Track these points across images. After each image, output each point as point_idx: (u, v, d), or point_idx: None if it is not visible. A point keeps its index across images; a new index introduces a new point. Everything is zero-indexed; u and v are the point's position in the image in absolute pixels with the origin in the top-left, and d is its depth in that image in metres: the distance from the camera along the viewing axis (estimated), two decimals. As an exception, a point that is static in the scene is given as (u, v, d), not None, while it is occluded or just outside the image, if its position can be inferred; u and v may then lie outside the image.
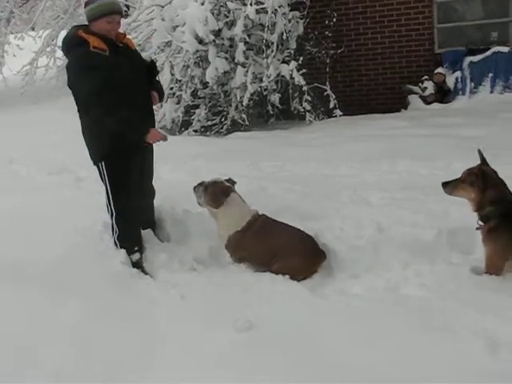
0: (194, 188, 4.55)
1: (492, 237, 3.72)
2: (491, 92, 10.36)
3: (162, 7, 9.76)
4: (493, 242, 3.72)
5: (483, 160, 3.87)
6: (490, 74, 10.33)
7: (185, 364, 3.17)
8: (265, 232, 4.38)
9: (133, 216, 4.54)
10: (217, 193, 4.42)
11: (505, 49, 10.28)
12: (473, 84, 10.44)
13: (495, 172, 3.81)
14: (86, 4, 4.32)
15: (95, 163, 4.47)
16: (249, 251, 4.37)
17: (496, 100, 10.03)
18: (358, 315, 3.47)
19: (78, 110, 4.40)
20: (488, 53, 10.36)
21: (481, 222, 3.79)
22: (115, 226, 4.52)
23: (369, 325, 3.33)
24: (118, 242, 4.55)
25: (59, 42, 16.21)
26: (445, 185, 3.95)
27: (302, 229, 4.40)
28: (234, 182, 4.60)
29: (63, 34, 4.51)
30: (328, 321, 3.44)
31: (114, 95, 4.10)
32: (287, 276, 4.08)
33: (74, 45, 4.27)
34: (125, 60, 4.31)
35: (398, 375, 2.87)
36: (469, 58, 10.49)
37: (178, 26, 9.72)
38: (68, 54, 4.36)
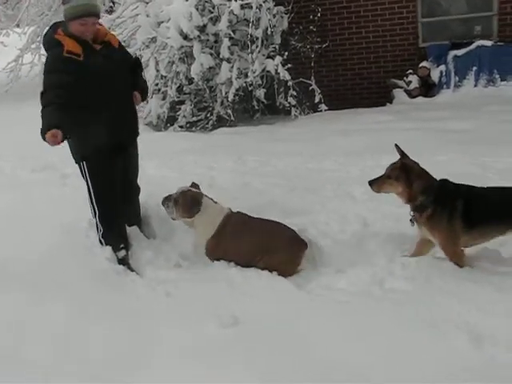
0: (163, 203, 4.47)
1: (434, 224, 3.84)
2: (475, 86, 10.42)
3: (147, 3, 9.78)
4: (438, 229, 3.84)
5: (402, 153, 4.00)
6: (474, 68, 10.39)
7: (171, 361, 3.17)
8: (240, 230, 4.32)
9: (116, 214, 4.53)
10: (189, 203, 4.35)
11: (488, 42, 10.34)
12: (457, 78, 10.50)
13: (416, 163, 3.96)
14: (62, 3, 4.24)
15: (76, 162, 4.46)
16: (229, 253, 4.31)
17: (480, 93, 10.10)
18: (344, 310, 3.47)
19: None
20: (472, 46, 10.41)
21: (412, 213, 3.93)
22: (99, 224, 4.52)
23: (356, 320, 3.34)
24: (102, 240, 4.55)
25: (43, 39, 16.10)
26: (371, 183, 4.07)
27: (284, 223, 4.36)
28: (197, 186, 4.55)
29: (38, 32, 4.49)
30: (315, 316, 3.45)
31: (54, 95, 4.02)
32: (275, 272, 4.06)
33: (50, 46, 4.23)
34: (102, 61, 4.24)
35: (386, 374, 2.87)
36: (453, 52, 10.54)
37: (162, 22, 9.71)
38: (46, 52, 4.32)
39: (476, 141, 6.79)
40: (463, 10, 10.87)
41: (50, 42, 4.22)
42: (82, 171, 4.43)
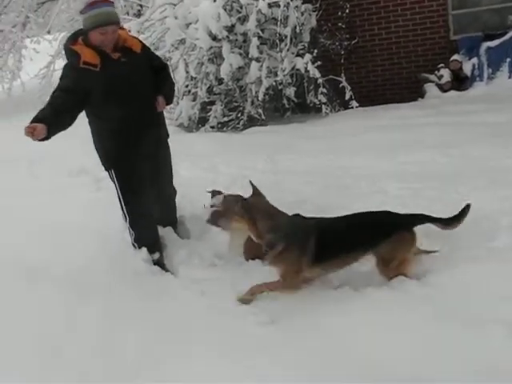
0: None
1: (282, 259, 3.81)
2: (510, 77, 10.18)
3: (175, 5, 9.81)
4: (283, 263, 3.81)
5: (253, 191, 3.98)
6: (508, 59, 10.16)
7: (211, 360, 3.19)
8: None
9: (147, 219, 4.56)
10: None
11: (522, 33, 10.14)
12: (490, 70, 10.30)
13: (262, 201, 3.93)
14: (81, 12, 4.21)
15: (105, 169, 4.51)
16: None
17: (515, 85, 9.92)
18: (377, 307, 3.45)
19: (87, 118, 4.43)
20: (505, 37, 10.18)
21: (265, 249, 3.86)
22: (131, 229, 4.58)
23: (389, 316, 3.31)
24: (135, 245, 4.60)
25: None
26: (217, 223, 4.13)
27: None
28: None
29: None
30: (347, 314, 3.43)
31: (54, 96, 4.06)
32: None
33: (67, 56, 4.24)
34: (121, 70, 4.21)
35: (420, 372, 2.83)
36: (485, 44, 10.35)
37: (190, 24, 9.74)
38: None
39: (509, 133, 6.66)
40: (495, 0, 10.66)
41: (68, 53, 4.23)
42: (111, 178, 4.49)
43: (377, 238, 3.76)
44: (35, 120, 3.82)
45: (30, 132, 3.74)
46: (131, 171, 4.41)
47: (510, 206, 4.45)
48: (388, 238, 3.74)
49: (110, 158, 4.43)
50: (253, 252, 4.29)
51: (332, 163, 6.46)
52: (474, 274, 3.60)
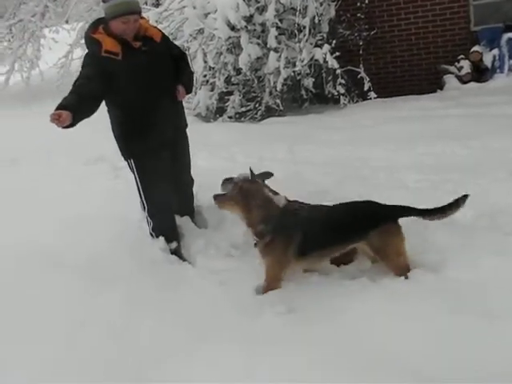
0: (223, 184, 4.47)
1: (269, 250, 3.81)
2: (530, 69, 10.11)
3: (193, -5, 9.79)
4: (270, 255, 3.81)
5: (252, 177, 3.98)
6: (530, 50, 10.08)
7: (231, 347, 3.20)
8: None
9: (165, 208, 4.58)
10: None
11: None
12: (511, 61, 10.20)
13: (261, 189, 3.91)
14: (103, 1, 4.18)
15: (125, 159, 4.52)
16: None
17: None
18: (395, 298, 3.44)
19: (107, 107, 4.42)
20: (528, 28, 10.10)
21: (254, 238, 3.87)
22: (149, 218, 4.59)
23: (408, 308, 3.30)
24: (153, 234, 4.62)
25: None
26: (215, 197, 4.06)
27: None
28: (269, 174, 4.49)
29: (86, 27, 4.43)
30: (363, 305, 3.41)
31: (77, 85, 4.03)
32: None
33: (88, 44, 4.23)
34: (142, 59, 4.20)
35: (436, 365, 2.81)
36: (507, 35, 10.22)
37: (209, 13, 9.72)
38: (87, 49, 4.32)
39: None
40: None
41: (88, 41, 4.22)
42: (130, 168, 4.50)
43: (364, 229, 3.76)
44: (60, 107, 3.78)
45: (56, 119, 3.71)
46: (150, 161, 4.41)
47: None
48: (375, 229, 3.73)
49: (129, 148, 4.43)
50: None
51: (350, 154, 6.44)
52: (491, 268, 3.59)
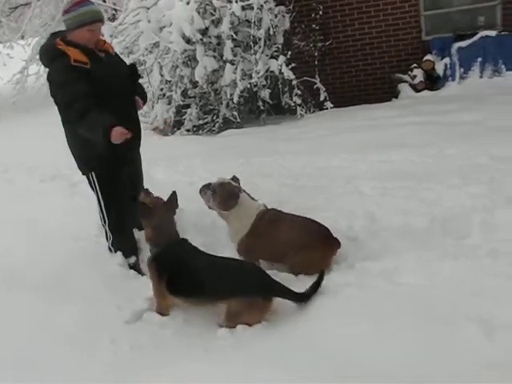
0: (201, 190, 4.36)
1: (150, 274, 3.86)
2: (481, 77, 10.33)
3: (148, 9, 9.77)
4: (151, 279, 3.84)
5: (169, 199, 3.98)
6: (479, 59, 10.30)
7: (192, 365, 3.18)
8: (274, 226, 4.21)
9: (125, 222, 4.58)
10: (226, 196, 4.23)
11: (492, 33, 10.23)
12: (462, 69, 10.42)
13: (169, 212, 3.92)
14: (66, 12, 4.17)
15: (83, 173, 4.48)
16: (259, 251, 4.22)
17: (486, 84, 10.02)
18: (356, 306, 3.46)
19: (62, 121, 4.36)
20: (476, 38, 10.32)
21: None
22: (109, 232, 4.57)
23: (368, 315, 3.31)
24: (112, 248, 4.60)
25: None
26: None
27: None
28: (237, 180, 4.45)
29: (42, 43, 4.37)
30: (328, 312, 3.42)
31: (87, 104, 3.98)
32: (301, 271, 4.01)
33: (53, 57, 4.15)
34: (107, 69, 4.22)
35: (399, 370, 2.81)
36: (457, 44, 10.47)
37: (164, 27, 9.72)
38: (49, 66, 4.25)
39: (484, 132, 6.75)
40: (466, 1, 10.80)
41: (53, 53, 4.15)
42: (90, 182, 4.45)
43: (230, 293, 3.52)
44: (112, 124, 3.87)
45: (123, 134, 3.87)
46: (112, 173, 4.39)
47: (481, 204, 4.50)
48: (243, 298, 3.48)
49: (91, 161, 4.38)
50: (249, 250, 4.26)
51: (307, 164, 6.48)
52: (447, 272, 3.63)
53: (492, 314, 3.09)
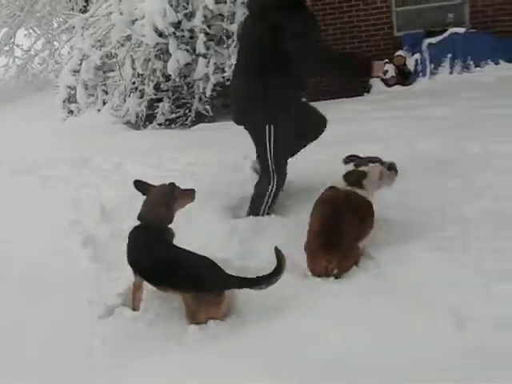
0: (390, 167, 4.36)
1: None
2: (451, 73, 10.47)
3: (120, 1, 9.69)
4: None
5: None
6: (449, 55, 10.45)
7: (154, 359, 3.20)
8: None
9: (286, 175, 4.79)
10: None
11: (461, 30, 10.41)
12: (432, 65, 10.55)
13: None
14: None
15: (261, 125, 4.60)
16: None
17: (456, 80, 10.15)
18: (334, 297, 3.52)
19: (249, 74, 4.56)
20: (445, 34, 10.47)
21: None
22: (273, 181, 4.68)
23: (344, 306, 3.38)
24: (271, 196, 4.73)
25: (17, 41, 16.02)
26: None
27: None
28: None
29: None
30: (306, 305, 3.48)
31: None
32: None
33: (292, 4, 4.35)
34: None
35: (373, 361, 2.88)
36: (427, 40, 10.59)
37: (136, 20, 9.65)
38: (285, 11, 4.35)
39: (455, 127, 6.84)
40: (436, -1, 10.96)
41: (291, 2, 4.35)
42: (265, 134, 4.58)
43: (185, 285, 3.47)
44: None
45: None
46: (289, 127, 4.62)
47: (454, 198, 4.59)
48: (194, 293, 3.43)
49: (276, 113, 4.53)
50: None
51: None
52: (425, 263, 3.74)
53: (463, 306, 3.16)
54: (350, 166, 4.26)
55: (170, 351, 3.22)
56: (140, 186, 3.95)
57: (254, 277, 3.43)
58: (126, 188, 4.89)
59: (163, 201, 3.80)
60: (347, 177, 4.18)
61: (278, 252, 3.47)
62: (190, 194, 3.96)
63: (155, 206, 3.80)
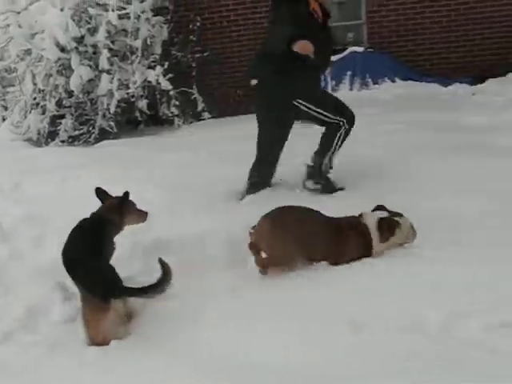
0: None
1: None
2: (351, 89, 10.91)
3: (18, 13, 9.41)
4: None
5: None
6: (349, 73, 10.90)
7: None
8: None
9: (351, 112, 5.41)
10: None
11: (360, 49, 10.94)
12: (334, 82, 10.94)
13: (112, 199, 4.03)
14: None
15: (290, 101, 5.23)
16: None
17: (356, 96, 10.50)
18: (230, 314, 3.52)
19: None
20: (346, 52, 10.95)
21: None
22: (343, 123, 5.27)
23: (242, 321, 3.40)
24: (345, 128, 5.31)
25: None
26: None
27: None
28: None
29: None
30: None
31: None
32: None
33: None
34: (328, 35, 5.20)
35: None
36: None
37: (37, 33, 9.41)
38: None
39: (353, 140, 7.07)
40: (337, 18, 11.34)
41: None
42: (304, 106, 5.22)
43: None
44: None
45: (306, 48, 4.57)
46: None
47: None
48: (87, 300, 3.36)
49: (304, 88, 5.18)
50: None
51: (188, 174, 6.47)
52: (322, 274, 3.81)
53: (357, 312, 3.24)
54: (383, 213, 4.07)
55: (71, 374, 3.15)
56: (100, 194, 4.06)
57: (141, 286, 3.40)
58: (25, 208, 4.76)
59: (118, 208, 3.93)
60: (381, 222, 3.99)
61: (162, 263, 3.47)
62: (143, 215, 4.11)
63: (109, 209, 3.92)
